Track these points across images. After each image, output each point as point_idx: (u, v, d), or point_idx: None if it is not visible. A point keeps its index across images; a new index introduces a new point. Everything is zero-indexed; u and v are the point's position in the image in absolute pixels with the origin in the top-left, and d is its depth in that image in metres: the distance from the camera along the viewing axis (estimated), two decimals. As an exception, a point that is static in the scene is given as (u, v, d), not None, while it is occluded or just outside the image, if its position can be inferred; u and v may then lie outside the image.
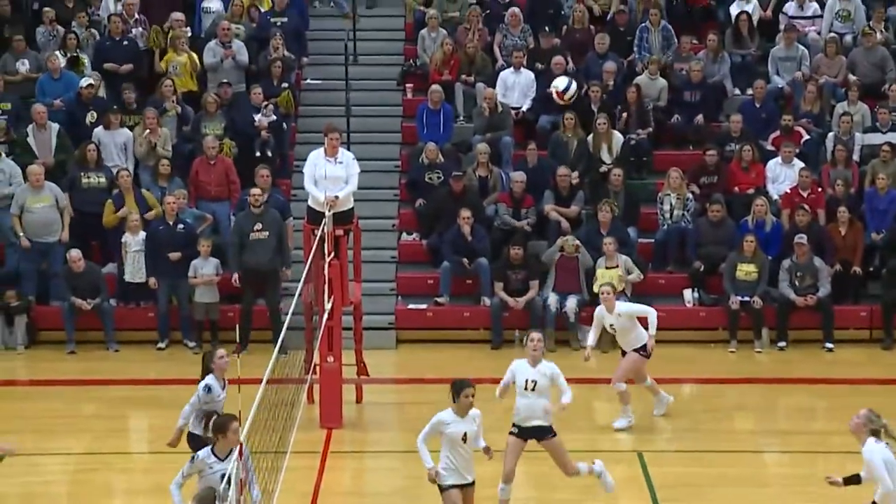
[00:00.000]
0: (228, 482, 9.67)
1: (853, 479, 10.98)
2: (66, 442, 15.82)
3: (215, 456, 10.69)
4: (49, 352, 19.32)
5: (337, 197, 16.52)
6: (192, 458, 11.16)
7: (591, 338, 15.96)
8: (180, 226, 19.67)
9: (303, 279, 15.85)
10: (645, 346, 15.70)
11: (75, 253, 19.36)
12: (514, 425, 13.03)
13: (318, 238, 16.19)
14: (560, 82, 20.25)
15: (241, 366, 11.60)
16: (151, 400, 17.50)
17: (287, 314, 15.08)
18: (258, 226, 19.11)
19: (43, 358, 19.13)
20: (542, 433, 12.98)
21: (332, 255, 16.23)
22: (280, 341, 13.67)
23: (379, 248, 20.48)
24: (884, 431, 10.87)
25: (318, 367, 16.20)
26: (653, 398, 16.30)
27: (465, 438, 11.68)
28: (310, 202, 16.89)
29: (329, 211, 16.37)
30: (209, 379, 12.66)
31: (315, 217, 16.61)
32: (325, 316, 15.99)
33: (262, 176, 19.94)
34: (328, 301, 16.03)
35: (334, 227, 16.43)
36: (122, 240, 19.62)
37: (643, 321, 15.68)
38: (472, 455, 11.82)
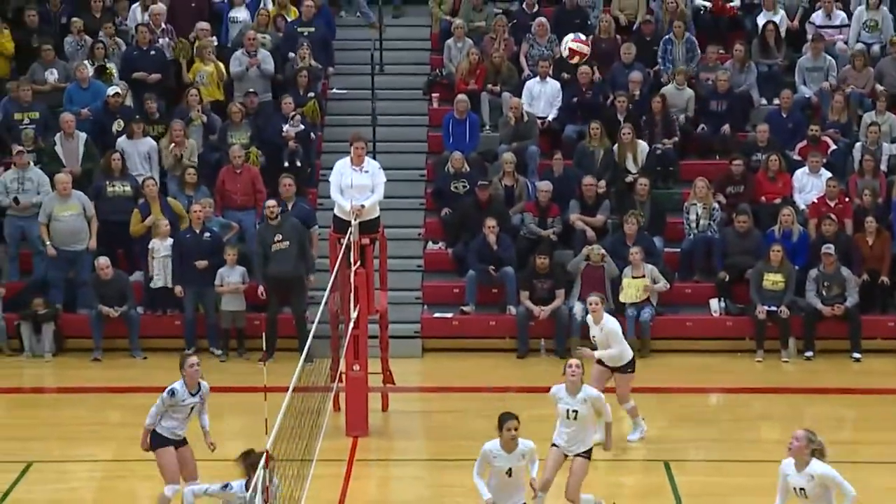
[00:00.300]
0: None
1: None
2: (93, 449, 15.85)
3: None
4: (76, 359, 19.36)
5: (363, 206, 16.54)
6: (226, 485, 11.31)
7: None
8: (207, 234, 19.70)
9: (329, 288, 15.84)
10: (632, 362, 15.46)
11: (104, 260, 19.41)
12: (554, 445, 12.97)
13: (344, 247, 16.19)
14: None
15: (268, 374, 11.58)
16: (178, 407, 17.52)
17: (313, 322, 15.07)
18: (278, 236, 19.13)
19: (70, 365, 19.16)
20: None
21: (359, 263, 16.25)
22: (306, 349, 13.67)
23: (405, 257, 20.48)
24: (820, 451, 10.69)
25: (344, 376, 16.18)
26: (630, 420, 15.88)
27: (509, 473, 11.44)
28: (336, 211, 16.88)
29: (355, 220, 16.39)
30: (177, 384, 12.80)
31: (341, 226, 16.61)
32: (351, 324, 15.97)
33: (286, 185, 20.00)
34: (354, 310, 16.03)
35: (360, 235, 16.45)
36: (150, 245, 19.67)
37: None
38: (521, 482, 11.61)
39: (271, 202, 19.35)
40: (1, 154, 20.88)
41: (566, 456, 12.98)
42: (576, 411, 12.93)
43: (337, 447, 15.29)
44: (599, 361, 15.45)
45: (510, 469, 11.39)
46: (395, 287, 19.12)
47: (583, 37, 17.91)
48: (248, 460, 11.13)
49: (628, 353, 15.43)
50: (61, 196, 19.82)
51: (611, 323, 15.51)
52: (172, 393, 12.73)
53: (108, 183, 20.23)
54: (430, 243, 21.22)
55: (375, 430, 16.30)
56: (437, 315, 20.11)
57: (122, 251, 20.12)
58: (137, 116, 21.15)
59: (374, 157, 18.18)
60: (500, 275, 20.05)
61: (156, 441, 12.76)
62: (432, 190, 21.58)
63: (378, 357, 17.20)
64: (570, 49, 17.12)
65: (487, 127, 22.37)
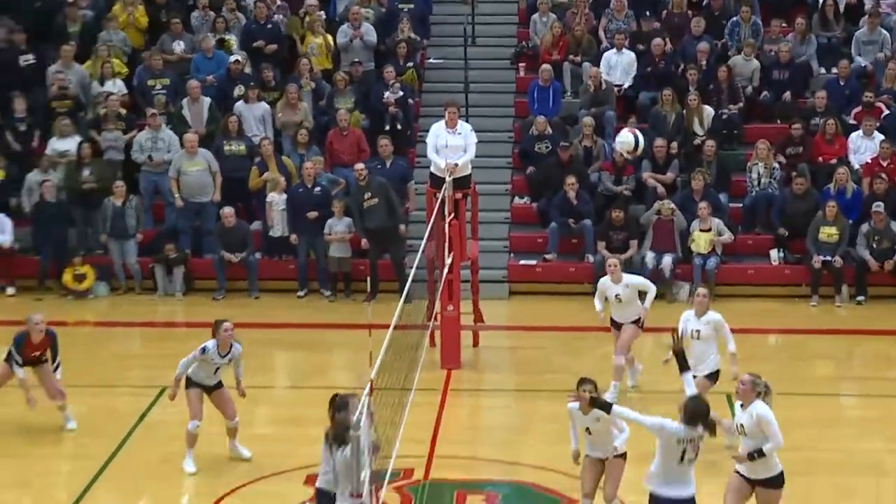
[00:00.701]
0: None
1: (757, 454, 10.46)
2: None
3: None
4: (202, 298, 19.62)
5: (456, 164, 16.66)
6: (203, 348, 12.51)
7: (598, 305, 15.05)
8: (317, 188, 19.89)
9: (425, 237, 15.96)
10: (639, 318, 14.91)
11: (228, 210, 19.68)
12: None
13: (439, 201, 16.30)
14: (626, 138, 15.09)
15: (372, 313, 11.71)
16: (291, 342, 17.77)
17: (412, 268, 15.21)
18: (367, 195, 19.26)
19: (197, 303, 19.41)
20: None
21: (452, 216, 16.37)
22: (406, 292, 13.81)
23: (494, 210, 20.53)
24: (764, 392, 10.62)
25: (439, 315, 16.33)
26: (627, 370, 15.25)
27: (588, 431, 11.14)
28: (432, 169, 17.03)
29: (449, 177, 16.51)
30: (209, 343, 12.81)
31: (437, 182, 16.75)
32: (446, 270, 16.14)
33: (383, 145, 20.17)
34: (448, 257, 16.18)
35: (454, 191, 16.56)
36: (268, 199, 19.89)
37: (642, 296, 14.95)
38: (608, 435, 11.17)
39: (360, 165, 19.48)
40: (137, 116, 21.13)
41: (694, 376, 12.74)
42: (698, 331, 13.25)
43: (433, 378, 15.41)
44: (615, 323, 14.98)
45: (588, 428, 11.13)
46: (485, 237, 19.20)
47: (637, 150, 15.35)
48: (334, 405, 10.96)
49: (639, 309, 14.86)
50: (189, 153, 20.09)
51: (631, 278, 15.10)
52: (204, 350, 12.80)
53: (225, 142, 20.46)
54: (516, 198, 21.28)
55: (467, 364, 16.41)
56: (522, 262, 20.17)
57: (240, 204, 20.37)
58: (252, 83, 21.34)
59: (467, 121, 18.20)
60: (579, 227, 20.08)
61: (187, 383, 12.89)
62: (518, 150, 21.60)
63: (469, 299, 17.28)
64: (625, 151, 15.19)
65: (569, 94, 22.33)
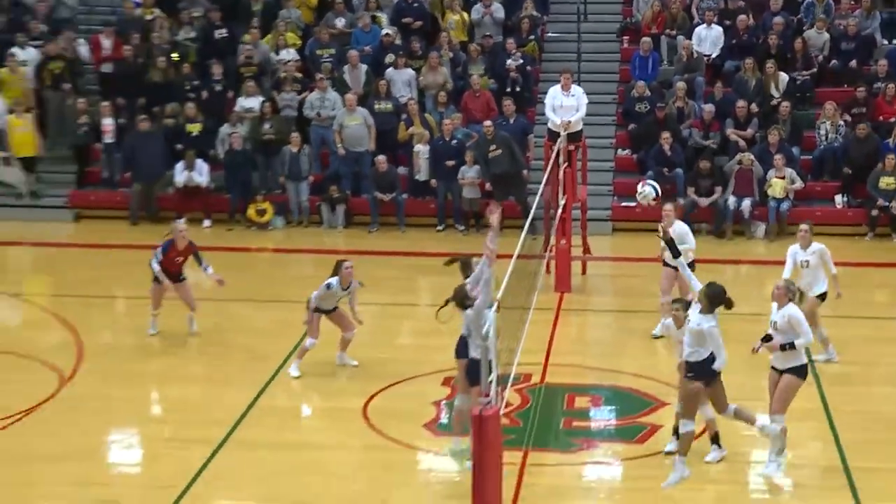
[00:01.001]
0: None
1: (766, 338, 10.33)
2: (372, 296, 16.15)
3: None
4: (359, 230, 19.70)
5: (570, 121, 16.55)
6: (328, 284, 12.19)
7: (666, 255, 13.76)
8: (454, 141, 19.79)
9: (543, 182, 15.83)
10: (693, 263, 13.39)
11: (381, 157, 19.69)
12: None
13: (555, 152, 16.18)
14: (645, 191, 12.99)
15: (499, 246, 11.60)
16: (431, 268, 17.73)
17: (532, 208, 15.09)
18: (493, 146, 19.07)
19: (354, 235, 19.50)
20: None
21: (566, 164, 16.22)
22: (527, 225, 13.71)
23: (600, 161, 20.23)
24: (798, 297, 10.45)
25: (554, 248, 16.23)
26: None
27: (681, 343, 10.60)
28: (549, 125, 16.97)
29: (564, 132, 16.44)
30: (333, 280, 12.66)
31: (553, 136, 16.70)
32: (560, 210, 16.00)
33: (507, 105, 19.98)
34: (562, 199, 16.04)
35: (567, 143, 16.46)
36: (415, 149, 19.87)
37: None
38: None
39: (487, 122, 19.24)
40: (309, 80, 21.20)
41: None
42: (807, 261, 12.96)
43: (547, 300, 15.33)
44: (666, 264, 13.79)
45: (681, 340, 10.70)
46: (593, 182, 18.95)
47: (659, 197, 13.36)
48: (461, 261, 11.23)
49: (692, 252, 13.77)
50: (349, 111, 20.11)
51: (679, 227, 13.90)
52: (329, 286, 12.73)
53: (377, 102, 20.42)
54: (619, 150, 20.97)
55: (576, 288, 16.30)
56: (623, 204, 19.90)
57: (390, 153, 20.34)
58: (401, 53, 21.25)
59: (579, 84, 17.99)
60: (672, 174, 19.72)
61: (315, 311, 12.89)
62: (621, 110, 21.25)
63: (579, 234, 17.14)
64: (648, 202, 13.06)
65: (665, 62, 21.86)
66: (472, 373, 9.71)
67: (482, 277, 10.00)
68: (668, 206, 13.93)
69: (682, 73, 21.20)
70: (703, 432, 10.67)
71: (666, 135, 19.77)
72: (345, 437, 11.36)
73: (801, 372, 10.38)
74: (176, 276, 13.84)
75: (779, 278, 10.92)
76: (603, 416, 11.99)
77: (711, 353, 10.12)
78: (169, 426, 11.74)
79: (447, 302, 9.99)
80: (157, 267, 13.57)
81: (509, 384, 10.65)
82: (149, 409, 12.34)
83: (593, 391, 12.55)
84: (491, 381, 8.84)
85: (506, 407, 10.63)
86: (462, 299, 9.93)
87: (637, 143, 20.63)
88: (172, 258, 13.65)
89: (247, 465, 10.66)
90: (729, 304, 10.08)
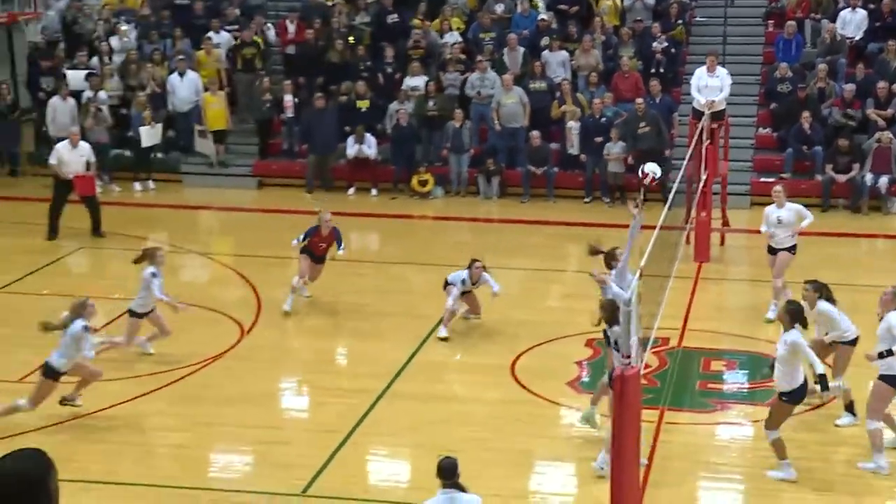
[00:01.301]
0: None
1: (887, 353, 9.42)
2: (521, 262, 16.12)
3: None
4: (512, 200, 19.58)
5: (714, 101, 16.16)
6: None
7: (763, 229, 13.17)
8: (603, 119, 19.44)
9: (686, 158, 15.41)
10: (795, 246, 12.97)
11: (536, 133, 19.50)
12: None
13: (698, 129, 15.78)
14: (654, 167, 12.46)
15: (642, 217, 11.37)
16: (579, 236, 17.52)
17: (674, 182, 14.71)
18: (642, 123, 18.67)
19: (508, 205, 19.40)
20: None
21: (709, 141, 15.80)
22: (670, 199, 13.36)
23: (741, 138, 19.62)
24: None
25: (694, 220, 15.84)
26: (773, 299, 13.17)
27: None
28: (694, 104, 16.61)
29: (707, 111, 16.05)
30: (463, 273, 12.66)
31: (697, 114, 16.35)
32: (702, 184, 15.59)
33: (653, 86, 19.52)
34: (704, 174, 15.62)
35: (711, 122, 16.03)
36: (567, 125, 19.60)
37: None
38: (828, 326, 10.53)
39: (640, 100, 18.90)
40: (471, 62, 21.07)
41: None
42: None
43: (687, 269, 15.02)
44: (770, 249, 13.11)
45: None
46: (734, 159, 18.39)
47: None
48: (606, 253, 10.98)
49: (794, 238, 13.03)
50: (506, 90, 19.94)
51: (794, 205, 13.37)
52: (463, 282, 12.62)
53: (531, 82, 20.19)
54: (760, 128, 20.27)
55: (715, 258, 15.92)
56: (762, 179, 19.24)
57: (542, 129, 20.11)
58: (555, 36, 20.94)
59: (723, 66, 17.45)
60: (811, 152, 18.98)
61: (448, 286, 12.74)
62: (764, 90, 20.52)
63: (719, 207, 16.72)
64: (644, 172, 12.39)
65: (808, 45, 21.01)
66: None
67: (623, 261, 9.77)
68: (778, 188, 13.39)
69: (824, 55, 20.34)
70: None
71: (806, 114, 19.01)
72: (492, 392, 11.31)
73: (893, 381, 9.50)
74: (319, 259, 13.70)
75: None
76: (737, 380, 11.64)
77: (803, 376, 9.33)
78: (335, 377, 11.87)
79: (600, 320, 9.63)
80: (294, 242, 13.47)
81: (649, 347, 10.42)
82: (317, 360, 12.51)
83: (728, 356, 12.21)
84: (632, 344, 8.64)
85: (645, 368, 10.42)
86: (612, 314, 9.60)
87: (778, 121, 19.90)
88: (316, 243, 13.51)
89: (402, 414, 10.72)
90: (805, 323, 9.36)
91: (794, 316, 9.34)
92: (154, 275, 11.71)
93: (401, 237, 17.40)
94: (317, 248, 13.60)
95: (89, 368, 10.52)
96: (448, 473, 7.32)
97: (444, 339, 12.57)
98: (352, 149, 20.00)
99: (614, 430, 8.43)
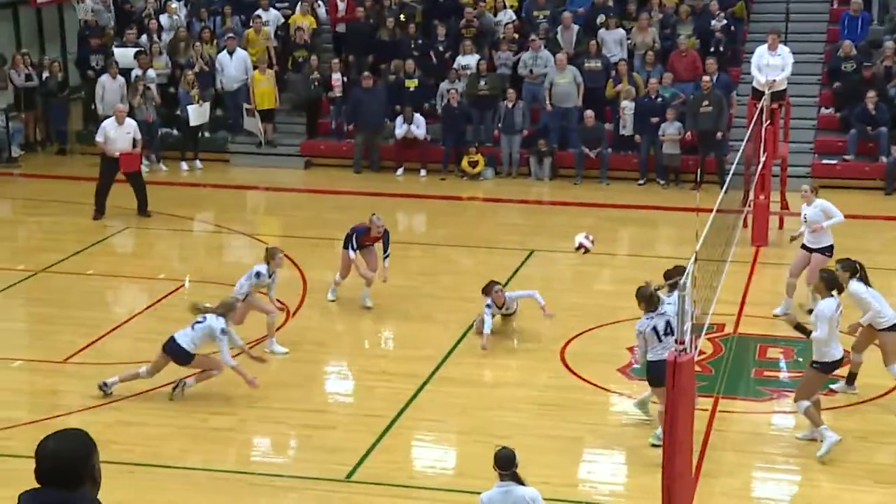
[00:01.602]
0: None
1: None
2: (568, 243, 15.94)
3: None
4: (564, 182, 19.41)
5: (775, 80, 15.90)
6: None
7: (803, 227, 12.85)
8: (659, 99, 19.21)
9: (745, 139, 15.16)
10: (831, 246, 12.55)
11: (590, 112, 19.31)
12: None
13: (758, 110, 15.54)
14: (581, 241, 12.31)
15: (700, 199, 11.21)
16: (631, 219, 17.40)
17: (732, 164, 14.53)
18: (705, 102, 18.40)
19: (560, 187, 19.23)
20: None
21: (768, 122, 15.55)
22: (727, 182, 13.18)
23: (803, 119, 19.31)
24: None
25: (752, 202, 15.61)
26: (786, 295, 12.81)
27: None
28: (754, 83, 16.43)
29: (768, 90, 15.84)
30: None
31: (757, 94, 16.15)
32: (760, 166, 15.35)
33: (710, 64, 19.24)
34: (763, 155, 15.38)
35: (771, 102, 15.80)
36: (621, 105, 19.40)
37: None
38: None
39: (706, 78, 18.62)
40: (524, 40, 20.88)
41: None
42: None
43: (744, 253, 14.79)
44: (804, 246, 12.84)
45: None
46: (795, 140, 18.16)
47: (591, 238, 12.44)
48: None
49: (828, 239, 12.70)
50: (559, 69, 19.77)
51: (823, 202, 12.99)
52: (258, 275, 11.70)
53: (586, 60, 19.99)
54: (822, 108, 19.91)
55: (773, 242, 15.67)
56: (824, 161, 18.95)
57: (596, 109, 19.89)
58: (612, 14, 20.71)
59: (786, 44, 17.15)
60: (875, 133, 18.62)
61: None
62: (827, 69, 20.13)
63: (778, 190, 16.44)
64: (580, 243, 12.19)
65: (875, 22, 20.59)
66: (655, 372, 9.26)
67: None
68: (806, 187, 13.05)
69: (892, 32, 19.93)
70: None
71: (871, 94, 18.63)
72: (542, 377, 11.23)
73: None
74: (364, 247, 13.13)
75: None
76: (794, 368, 11.45)
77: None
78: (381, 360, 11.85)
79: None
80: (352, 254, 12.85)
81: (703, 333, 10.26)
82: (363, 343, 12.49)
83: (785, 342, 12.02)
84: (686, 330, 8.51)
85: (699, 355, 10.28)
86: (649, 304, 9.53)
87: (841, 101, 19.53)
88: (363, 243, 13.08)
89: (449, 399, 10.67)
90: (841, 289, 9.65)
91: (828, 283, 9.50)
92: (258, 275, 11.59)
93: (450, 219, 17.33)
94: (362, 246, 13.11)
95: (213, 361, 10.64)
96: (505, 464, 7.24)
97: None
98: (400, 129, 19.95)
99: (667, 418, 8.32)
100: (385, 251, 12.93)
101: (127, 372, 10.75)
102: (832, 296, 9.47)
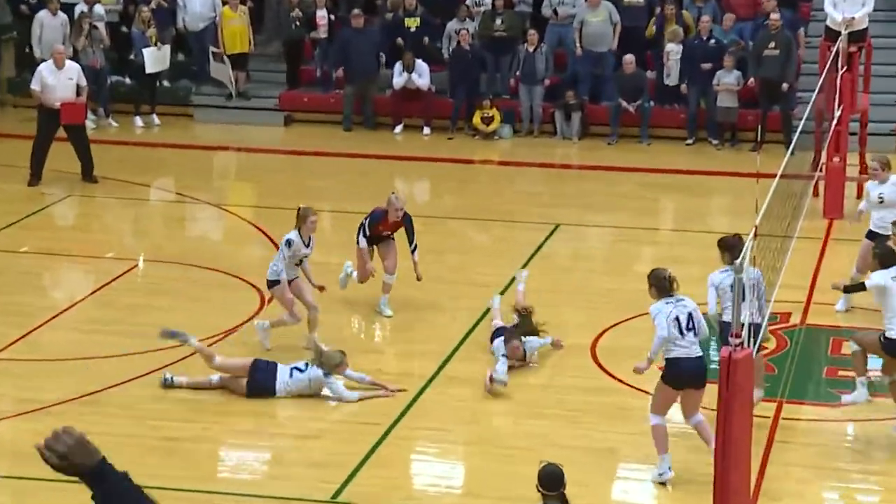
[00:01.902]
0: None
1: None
2: (605, 217, 15.88)
3: None
4: (597, 142, 19.33)
5: (853, 17, 15.83)
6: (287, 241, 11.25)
7: (863, 205, 12.81)
8: (712, 41, 19.09)
9: (816, 89, 15.05)
10: None
11: (629, 57, 19.19)
12: None
13: (832, 53, 15.43)
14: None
15: (760, 163, 11.06)
16: (677, 186, 17.29)
17: (800, 120, 14.43)
18: (772, 44, 18.28)
19: (592, 147, 19.17)
20: None
21: (845, 68, 15.47)
22: (794, 142, 13.07)
23: (888, 64, 19.12)
24: None
25: (825, 166, 15.49)
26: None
27: None
28: (828, 22, 16.36)
29: (845, 30, 15.77)
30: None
31: (832, 35, 16.07)
32: (835, 122, 15.21)
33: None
34: (838, 109, 15.24)
35: (848, 44, 15.71)
36: (666, 49, 19.28)
37: None
38: None
39: (775, 15, 18.48)
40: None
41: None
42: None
43: (814, 227, 14.67)
44: (870, 233, 12.48)
45: None
46: (877, 90, 17.97)
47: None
48: (724, 243, 10.43)
49: None
50: (591, 6, 19.63)
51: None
52: (289, 244, 11.48)
53: (624, -8, 19.91)
54: (911, 52, 19.77)
55: (849, 214, 15.46)
56: (913, 116, 18.83)
57: (635, 54, 19.72)
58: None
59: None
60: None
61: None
62: (917, 4, 20.04)
63: (856, 151, 16.31)
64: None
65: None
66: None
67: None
68: (875, 164, 12.71)
69: None
70: None
71: (970, 35, 18.50)
72: (568, 378, 11.14)
73: None
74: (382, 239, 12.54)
75: None
76: (876, 365, 11.31)
77: None
78: (376, 356, 11.77)
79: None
80: (364, 243, 12.34)
81: (765, 324, 10.18)
82: (356, 336, 12.41)
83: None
84: (744, 321, 8.44)
85: (760, 350, 10.19)
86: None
87: (933, 44, 19.39)
88: (380, 231, 12.43)
89: (456, 404, 10.59)
90: None
91: (883, 259, 10.02)
92: (289, 243, 11.42)
93: (458, 186, 17.26)
94: (378, 235, 12.48)
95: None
96: (551, 484, 7.28)
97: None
98: (399, 78, 19.84)
99: (719, 427, 8.25)
100: (411, 241, 12.31)
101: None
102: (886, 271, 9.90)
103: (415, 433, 10.17)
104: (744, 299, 8.40)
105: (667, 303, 9.24)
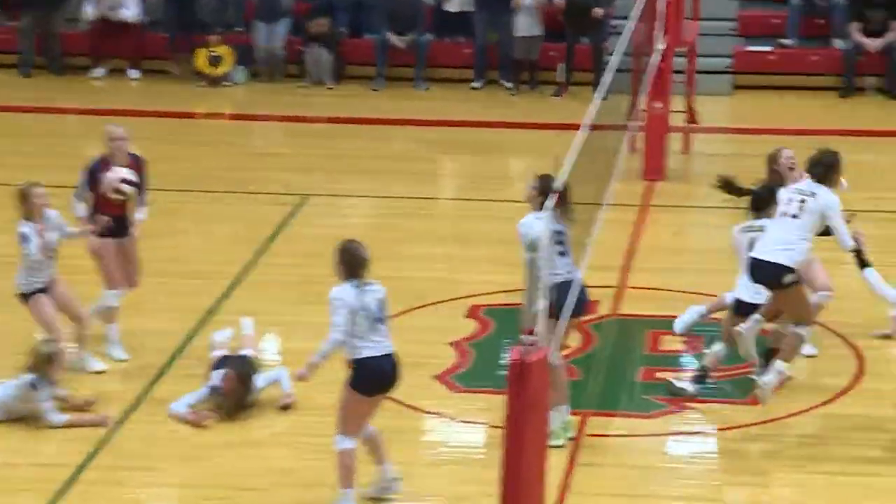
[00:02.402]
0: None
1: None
2: (370, 184, 16.01)
3: None
4: (358, 88, 19.54)
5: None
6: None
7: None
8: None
9: (634, 17, 15.44)
10: None
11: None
12: None
13: (651, -30, 15.88)
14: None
15: (562, 110, 11.36)
16: (462, 142, 17.56)
17: (611, 55, 14.80)
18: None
19: (349, 93, 19.39)
20: None
21: (668, -10, 15.91)
22: (603, 84, 13.44)
23: (720, -16, 19.88)
24: None
25: (644, 114, 15.91)
26: None
27: None
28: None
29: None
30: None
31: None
32: (656, 57, 15.63)
33: None
34: (660, 42, 15.69)
35: (671, -42, 16.14)
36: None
37: None
38: None
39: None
40: None
41: None
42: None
43: (630, 191, 15.13)
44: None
45: None
46: (708, 17, 18.62)
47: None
48: (542, 184, 10.60)
49: None
50: None
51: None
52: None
53: None
54: (749, -32, 20.55)
55: (674, 174, 16.12)
56: (752, 48, 19.56)
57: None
58: None
59: None
60: (826, 2, 19.27)
61: None
62: None
63: (682, 94, 16.85)
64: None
65: None
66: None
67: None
68: (788, 153, 13.02)
69: None
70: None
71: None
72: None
73: None
74: (119, 228, 11.50)
75: None
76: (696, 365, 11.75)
77: None
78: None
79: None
80: (80, 209, 11.39)
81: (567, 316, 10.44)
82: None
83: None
84: (537, 314, 8.63)
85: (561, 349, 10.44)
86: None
87: (777, -42, 20.19)
88: (102, 195, 11.32)
89: (167, 442, 10.55)
90: None
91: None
92: (25, 238, 10.78)
93: (176, 149, 17.10)
94: (107, 202, 11.28)
95: None
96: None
97: None
98: (92, 6, 19.67)
99: (506, 447, 8.43)
100: (141, 191, 11.50)
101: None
102: None
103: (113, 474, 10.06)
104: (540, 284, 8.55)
105: (354, 286, 9.16)
